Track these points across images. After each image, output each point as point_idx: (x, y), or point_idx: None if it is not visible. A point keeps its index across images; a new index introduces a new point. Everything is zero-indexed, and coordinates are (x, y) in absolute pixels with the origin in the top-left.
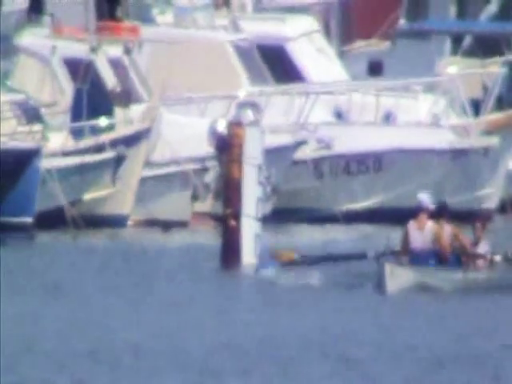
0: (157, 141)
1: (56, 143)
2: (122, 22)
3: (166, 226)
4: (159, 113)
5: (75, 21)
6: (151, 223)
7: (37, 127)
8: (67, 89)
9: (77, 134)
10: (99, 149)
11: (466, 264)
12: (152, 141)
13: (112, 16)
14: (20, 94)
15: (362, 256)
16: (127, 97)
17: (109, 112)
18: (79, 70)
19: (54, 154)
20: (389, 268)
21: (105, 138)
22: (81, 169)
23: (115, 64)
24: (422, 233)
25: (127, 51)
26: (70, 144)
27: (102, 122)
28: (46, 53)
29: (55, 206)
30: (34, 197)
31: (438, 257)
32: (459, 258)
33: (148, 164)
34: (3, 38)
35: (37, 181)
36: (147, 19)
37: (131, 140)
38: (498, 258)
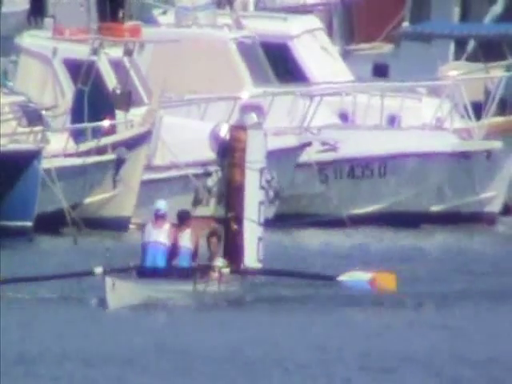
0: (157, 144)
1: (57, 145)
2: (124, 23)
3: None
4: (160, 116)
5: (76, 22)
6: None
7: (37, 129)
8: (68, 90)
9: (78, 135)
10: (100, 152)
11: (200, 270)
12: (153, 144)
13: (114, 18)
14: (20, 95)
15: (89, 273)
16: (128, 99)
17: (110, 114)
18: (80, 70)
19: (54, 157)
20: (110, 282)
21: (106, 140)
22: (81, 171)
23: (116, 65)
24: (159, 230)
25: (128, 52)
26: (71, 146)
27: (105, 123)
28: (47, 54)
29: (56, 208)
30: (33, 200)
31: (170, 253)
32: (193, 270)
33: (149, 168)
34: (3, 39)
35: (37, 183)
36: (149, 20)
37: (132, 143)
38: (226, 270)
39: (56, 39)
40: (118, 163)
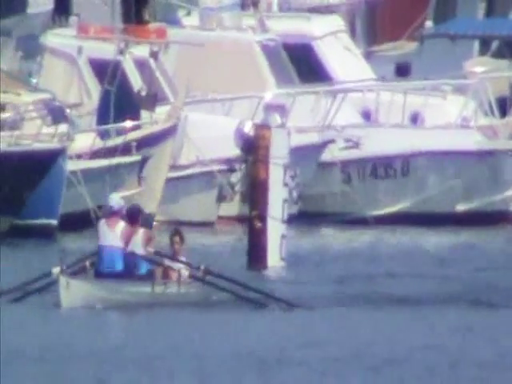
0: (183, 142)
1: (83, 143)
2: (149, 24)
3: None
4: (185, 114)
5: (101, 22)
6: (177, 224)
7: (62, 127)
8: (93, 89)
9: (103, 135)
10: (125, 148)
11: (160, 274)
12: (178, 142)
13: (139, 19)
14: (46, 93)
15: (47, 275)
16: (153, 99)
17: (135, 114)
18: (105, 70)
19: (80, 155)
20: (64, 281)
21: (131, 137)
22: (107, 171)
23: (141, 66)
24: (113, 231)
25: (153, 55)
26: (97, 142)
27: (128, 124)
28: (72, 53)
29: (81, 209)
30: (58, 198)
31: (127, 258)
32: (150, 271)
33: (174, 165)
34: (29, 39)
35: (62, 181)
36: (173, 21)
37: (157, 139)
38: (186, 273)
39: (81, 38)
40: (143, 161)
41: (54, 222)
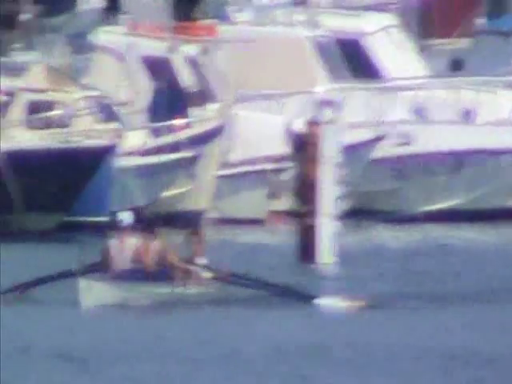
0: (233, 139)
1: (134, 142)
2: (200, 21)
3: None
4: (236, 112)
5: (151, 18)
6: (227, 222)
7: (113, 125)
8: (143, 87)
9: (154, 134)
10: (175, 147)
11: (179, 279)
12: (228, 139)
13: (190, 16)
14: (96, 91)
15: (68, 273)
16: (203, 97)
17: (183, 111)
18: (156, 68)
19: (132, 153)
20: (85, 283)
21: (181, 135)
22: (158, 168)
23: (192, 63)
24: (123, 253)
25: (204, 52)
26: (149, 141)
27: (176, 122)
28: (122, 50)
29: (132, 206)
30: (108, 195)
31: (143, 274)
32: (169, 273)
33: (225, 163)
34: (79, 36)
35: (111, 179)
36: (224, 18)
37: (207, 137)
38: (207, 274)
39: (131, 35)
40: (194, 159)
41: (105, 219)
